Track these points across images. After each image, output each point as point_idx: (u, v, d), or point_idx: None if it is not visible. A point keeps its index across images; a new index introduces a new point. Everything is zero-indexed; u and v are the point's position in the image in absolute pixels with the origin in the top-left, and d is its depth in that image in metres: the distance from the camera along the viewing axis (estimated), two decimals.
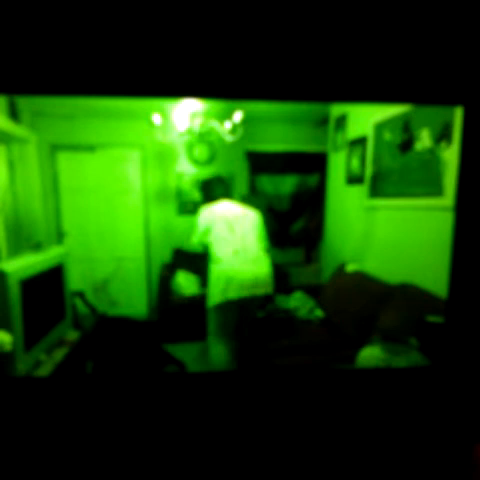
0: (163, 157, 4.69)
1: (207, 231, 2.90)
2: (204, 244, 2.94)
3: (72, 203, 4.58)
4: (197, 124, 3.54)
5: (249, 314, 3.09)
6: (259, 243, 3.01)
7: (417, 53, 1.27)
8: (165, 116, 3.61)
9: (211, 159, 4.77)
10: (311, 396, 1.46)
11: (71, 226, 4.61)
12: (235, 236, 2.89)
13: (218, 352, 2.98)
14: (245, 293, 2.80)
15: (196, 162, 4.76)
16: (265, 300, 3.15)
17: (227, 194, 3.13)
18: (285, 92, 1.29)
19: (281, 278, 4.82)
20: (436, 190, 2.42)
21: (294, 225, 5.14)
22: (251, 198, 4.84)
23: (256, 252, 2.93)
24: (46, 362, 2.60)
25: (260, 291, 2.86)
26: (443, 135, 2.34)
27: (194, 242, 2.98)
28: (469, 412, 1.47)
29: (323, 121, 4.33)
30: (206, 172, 4.77)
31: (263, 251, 3.01)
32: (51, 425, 1.39)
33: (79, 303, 3.70)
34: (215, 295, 2.83)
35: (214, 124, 3.58)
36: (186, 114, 3.50)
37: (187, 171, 4.78)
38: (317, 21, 1.23)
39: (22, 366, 2.36)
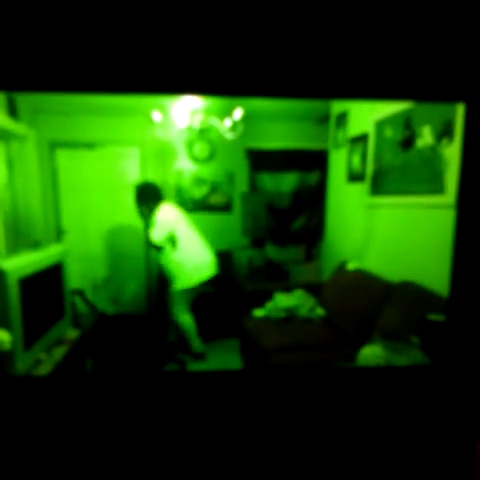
0: (163, 154, 4.68)
1: (173, 230, 3.45)
2: (170, 239, 3.45)
3: (71, 200, 4.57)
4: (197, 121, 3.53)
5: (202, 290, 3.73)
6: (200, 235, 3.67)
7: (418, 50, 1.26)
8: (165, 113, 3.60)
9: (211, 156, 4.76)
10: (312, 394, 1.45)
11: (70, 224, 4.61)
12: (191, 231, 3.60)
13: (188, 320, 3.59)
14: (209, 274, 3.58)
15: (196, 159, 4.75)
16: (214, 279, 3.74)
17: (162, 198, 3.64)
18: (286, 89, 1.28)
19: (281, 276, 4.83)
20: (438, 188, 2.40)
21: (295, 223, 5.12)
22: (251, 196, 4.83)
23: (203, 242, 3.66)
24: (46, 361, 2.59)
25: (214, 272, 3.64)
26: (444, 132, 2.33)
27: (158, 238, 3.44)
28: (470, 410, 1.47)
29: (324, 118, 4.31)
30: (206, 169, 4.77)
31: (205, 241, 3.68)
32: (51, 424, 1.38)
33: (78, 301, 3.70)
34: (187, 280, 3.49)
35: (214, 121, 3.57)
36: (186, 111, 3.48)
37: (187, 168, 4.77)
38: (318, 18, 1.22)
39: (21, 365, 2.35)
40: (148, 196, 3.57)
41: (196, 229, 3.68)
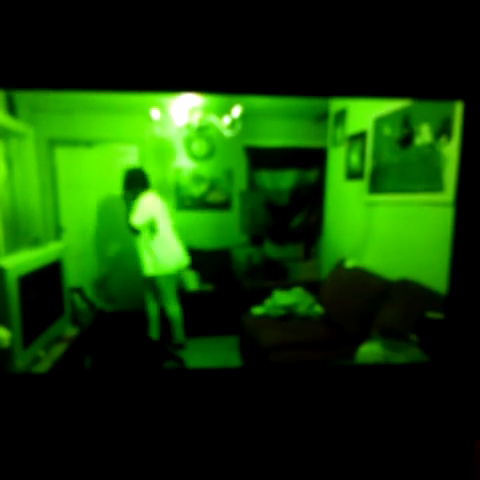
0: (161, 152, 4.68)
1: (153, 216, 3.56)
2: (150, 225, 3.56)
3: (70, 198, 4.57)
4: (196, 119, 3.53)
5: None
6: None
7: (417, 47, 1.26)
8: (164, 111, 3.60)
9: (210, 154, 4.76)
10: (311, 392, 1.46)
11: (69, 222, 4.61)
12: (169, 223, 3.72)
13: (176, 311, 3.75)
14: (184, 263, 3.80)
15: (195, 157, 4.75)
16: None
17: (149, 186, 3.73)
18: (284, 87, 1.28)
19: (280, 273, 4.83)
20: (436, 186, 2.41)
21: (293, 220, 5.13)
22: (249, 194, 4.83)
23: (176, 237, 3.79)
24: (44, 358, 2.60)
25: (187, 262, 3.85)
26: (443, 130, 2.33)
27: (138, 222, 3.53)
28: (469, 408, 1.47)
29: (322, 116, 4.31)
30: (205, 167, 4.77)
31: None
32: (50, 421, 1.38)
33: (77, 299, 3.70)
34: (164, 266, 3.61)
35: (213, 119, 3.57)
36: (184, 109, 3.48)
37: (186, 166, 4.76)
38: (316, 15, 1.22)
39: (20, 362, 2.36)
40: (137, 182, 3.65)
41: (173, 223, 3.83)
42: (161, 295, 3.74)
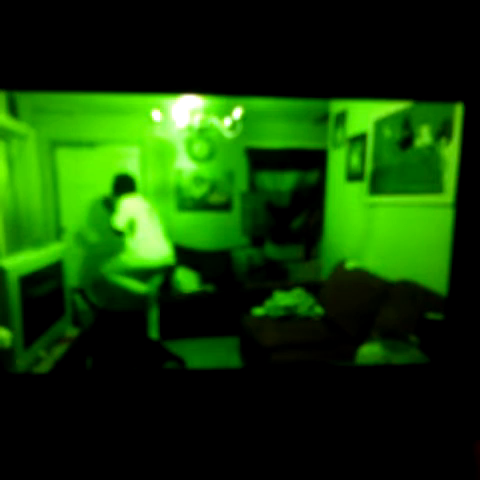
0: (163, 153, 4.68)
1: (133, 217, 3.65)
2: (130, 225, 3.66)
3: (71, 199, 4.58)
4: (197, 120, 3.53)
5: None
6: (162, 227, 3.89)
7: (417, 49, 1.26)
8: (165, 112, 3.60)
9: (211, 155, 4.76)
10: (311, 393, 1.46)
11: (70, 222, 4.61)
12: (153, 224, 3.77)
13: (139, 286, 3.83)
14: (162, 263, 3.79)
15: (196, 158, 4.76)
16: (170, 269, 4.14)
17: (135, 189, 3.88)
18: (285, 88, 1.28)
19: (281, 274, 4.84)
20: (436, 187, 2.41)
21: (294, 222, 5.13)
22: (250, 195, 4.84)
23: (164, 237, 3.84)
24: (45, 359, 2.60)
25: (169, 262, 3.86)
26: (443, 132, 2.34)
27: (119, 224, 3.65)
28: (469, 409, 1.47)
29: (323, 118, 4.32)
30: (206, 169, 4.78)
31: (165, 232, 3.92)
32: (51, 422, 1.39)
33: (78, 299, 3.70)
34: (144, 261, 3.72)
35: (214, 120, 3.57)
36: (186, 110, 3.49)
37: (187, 168, 4.77)
38: (317, 17, 1.23)
39: (21, 362, 2.36)
40: (126, 187, 3.80)
41: (161, 223, 3.89)
42: (114, 270, 3.79)
